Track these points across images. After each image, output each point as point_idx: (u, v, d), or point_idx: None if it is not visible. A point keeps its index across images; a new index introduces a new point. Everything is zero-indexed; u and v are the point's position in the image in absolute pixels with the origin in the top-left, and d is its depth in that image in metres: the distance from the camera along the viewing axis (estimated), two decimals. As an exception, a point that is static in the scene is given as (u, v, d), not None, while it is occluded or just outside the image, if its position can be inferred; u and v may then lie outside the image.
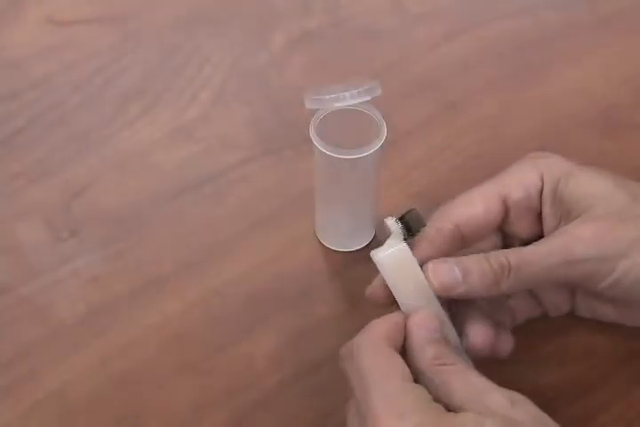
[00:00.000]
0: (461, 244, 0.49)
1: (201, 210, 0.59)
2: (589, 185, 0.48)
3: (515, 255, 0.46)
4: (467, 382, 0.43)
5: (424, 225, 0.47)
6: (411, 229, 0.47)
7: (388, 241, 0.47)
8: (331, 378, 0.52)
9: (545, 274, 0.46)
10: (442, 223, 0.48)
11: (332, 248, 0.57)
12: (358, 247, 0.57)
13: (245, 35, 0.68)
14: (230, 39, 0.67)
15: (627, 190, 0.47)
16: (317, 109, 0.48)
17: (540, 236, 0.49)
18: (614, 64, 0.66)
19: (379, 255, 0.46)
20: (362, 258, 0.56)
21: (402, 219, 0.47)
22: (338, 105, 0.48)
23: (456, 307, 0.49)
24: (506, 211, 0.49)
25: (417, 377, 0.43)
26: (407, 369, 0.43)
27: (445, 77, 0.65)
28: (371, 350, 0.44)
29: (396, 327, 0.45)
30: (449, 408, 0.42)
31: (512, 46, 0.67)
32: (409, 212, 0.47)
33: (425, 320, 0.45)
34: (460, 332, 0.48)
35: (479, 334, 0.47)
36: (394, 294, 0.47)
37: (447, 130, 0.62)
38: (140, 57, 0.66)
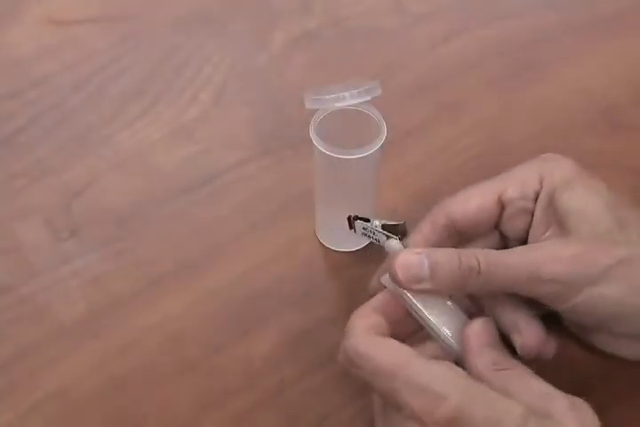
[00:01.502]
0: (457, 240, 0.49)
1: (201, 210, 0.59)
2: (582, 201, 0.47)
3: (486, 259, 0.45)
4: (527, 387, 0.42)
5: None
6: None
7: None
8: (330, 378, 0.51)
9: (510, 285, 0.45)
10: (436, 217, 0.48)
11: (332, 248, 0.57)
12: (358, 247, 0.57)
13: (245, 35, 0.68)
14: (230, 39, 0.68)
15: (615, 214, 0.46)
16: (317, 109, 0.48)
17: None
18: (614, 64, 0.66)
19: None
20: (362, 258, 0.56)
21: (384, 227, 0.47)
22: (338, 105, 0.48)
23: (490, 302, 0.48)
24: (501, 210, 0.49)
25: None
26: (412, 349, 0.43)
27: (445, 77, 0.65)
28: (369, 348, 0.43)
29: (370, 319, 0.44)
30: None
31: (512, 46, 0.67)
32: (397, 225, 0.47)
33: (482, 326, 0.44)
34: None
35: (532, 335, 0.46)
36: (422, 310, 0.45)
37: (447, 130, 0.62)
38: (140, 57, 0.66)
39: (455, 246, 0.49)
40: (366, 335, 0.44)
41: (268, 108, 0.64)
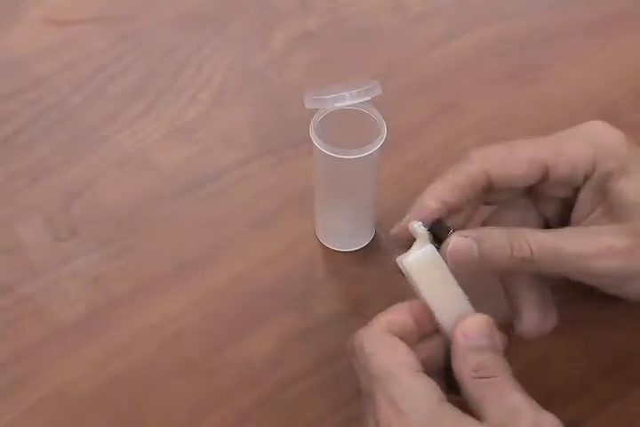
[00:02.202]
0: (487, 196, 0.48)
1: (201, 210, 0.59)
2: (638, 192, 0.46)
3: (538, 247, 0.44)
4: (500, 399, 0.42)
5: (448, 231, 0.46)
6: (436, 236, 0.45)
7: (414, 247, 0.45)
8: (331, 378, 0.51)
9: (559, 273, 0.45)
10: (475, 173, 0.47)
11: (332, 248, 0.57)
12: (358, 247, 0.57)
13: (245, 35, 0.68)
14: (230, 39, 0.68)
15: None
16: (317, 109, 0.48)
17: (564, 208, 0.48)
18: (614, 64, 0.66)
19: (407, 259, 0.45)
20: (362, 258, 0.56)
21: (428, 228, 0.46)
22: (338, 105, 0.48)
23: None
24: (543, 178, 0.47)
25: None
26: (413, 359, 0.42)
27: (445, 77, 0.65)
28: (373, 343, 0.43)
29: (399, 316, 0.44)
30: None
31: (512, 46, 0.67)
32: (434, 221, 0.46)
33: (471, 327, 0.44)
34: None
35: (532, 324, 0.46)
36: (425, 298, 0.45)
37: (447, 130, 0.62)
38: (140, 57, 0.66)
39: (476, 205, 0.48)
40: (379, 330, 0.43)
41: (267, 108, 0.64)
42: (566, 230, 0.46)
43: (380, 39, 0.68)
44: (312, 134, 0.48)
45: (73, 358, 0.53)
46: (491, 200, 0.49)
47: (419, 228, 0.45)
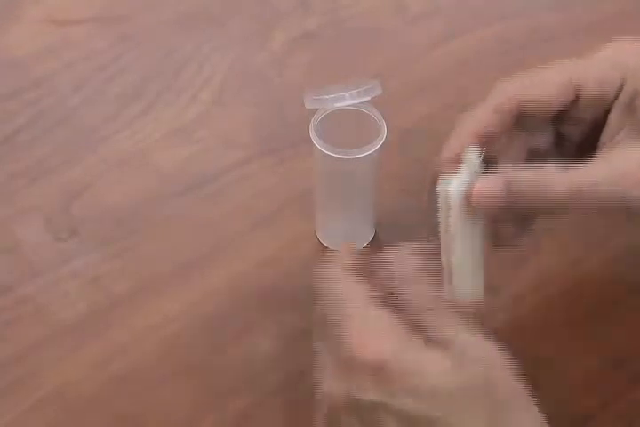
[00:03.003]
0: (516, 122, 0.46)
1: (201, 210, 0.59)
2: None
3: (569, 187, 0.43)
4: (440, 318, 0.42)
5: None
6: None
7: (459, 175, 0.44)
8: (331, 378, 0.51)
9: (596, 209, 0.45)
10: (500, 102, 0.46)
11: (332, 248, 0.57)
12: (358, 247, 0.57)
13: (245, 35, 0.68)
14: (230, 39, 0.68)
15: None
16: (317, 109, 0.48)
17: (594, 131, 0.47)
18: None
19: (453, 186, 0.43)
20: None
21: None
22: (338, 105, 0.48)
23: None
24: (573, 100, 0.46)
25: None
26: (376, 296, 0.42)
27: (445, 77, 0.65)
28: (342, 277, 0.43)
29: (360, 257, 0.44)
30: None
31: (512, 46, 0.67)
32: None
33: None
34: None
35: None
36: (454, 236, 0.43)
37: (447, 130, 0.62)
38: (140, 57, 0.66)
39: (510, 136, 0.47)
40: (347, 270, 0.43)
41: (268, 108, 0.64)
42: (596, 163, 0.44)
43: (380, 39, 0.68)
44: (312, 134, 0.48)
45: (73, 358, 0.53)
46: (521, 128, 0.48)
47: (473, 155, 0.44)
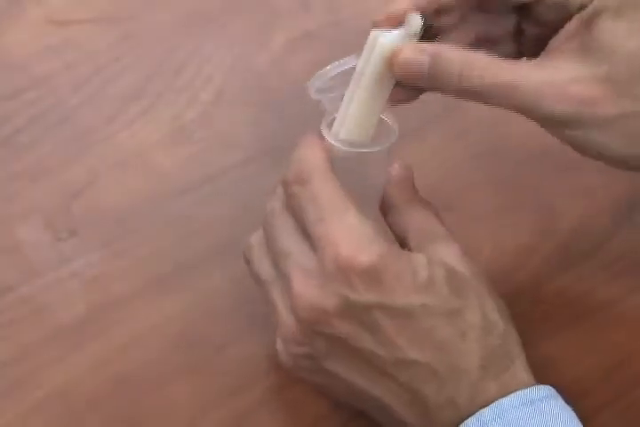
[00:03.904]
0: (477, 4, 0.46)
1: (201, 210, 0.59)
2: (620, 37, 0.43)
3: (492, 81, 0.43)
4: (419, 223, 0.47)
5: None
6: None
7: (394, 32, 0.44)
8: (331, 378, 0.51)
9: (507, 107, 0.45)
10: None
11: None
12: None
13: (245, 35, 0.68)
14: (230, 39, 0.68)
15: None
16: (321, 109, 0.48)
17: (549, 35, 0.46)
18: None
19: (386, 39, 0.44)
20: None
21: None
22: (347, 66, 0.47)
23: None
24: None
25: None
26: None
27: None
28: (325, 180, 0.44)
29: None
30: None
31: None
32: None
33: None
34: None
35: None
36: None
37: (447, 130, 0.62)
38: (140, 57, 0.66)
39: (467, 13, 0.46)
40: (327, 172, 0.45)
41: (268, 108, 0.64)
42: (530, 64, 0.45)
43: (380, 39, 0.68)
44: (323, 129, 0.47)
45: (73, 358, 0.53)
46: (481, 9, 0.47)
47: (415, 19, 0.43)
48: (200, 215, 0.59)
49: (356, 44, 0.67)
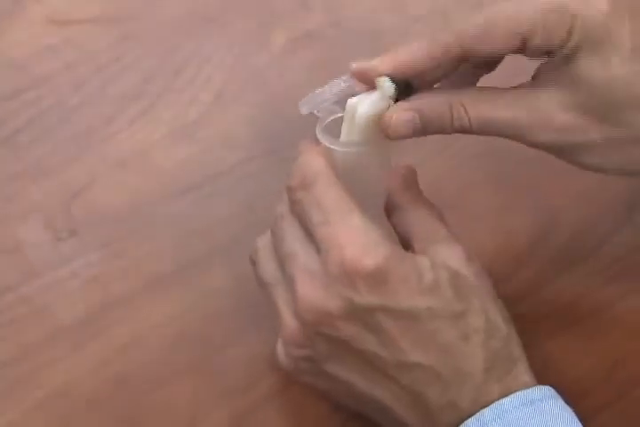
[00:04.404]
0: (458, 64, 0.47)
1: (201, 210, 0.59)
2: (598, 74, 0.45)
3: (476, 116, 0.46)
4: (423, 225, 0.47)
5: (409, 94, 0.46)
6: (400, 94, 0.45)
7: (371, 96, 0.45)
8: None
9: (502, 137, 0.47)
10: (449, 42, 0.46)
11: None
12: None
13: (245, 35, 0.68)
14: (230, 39, 0.67)
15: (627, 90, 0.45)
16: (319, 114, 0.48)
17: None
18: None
19: (363, 108, 0.45)
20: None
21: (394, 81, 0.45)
22: (334, 91, 0.47)
23: None
24: (520, 48, 0.46)
25: None
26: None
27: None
28: (328, 184, 0.44)
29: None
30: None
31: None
32: (400, 81, 0.45)
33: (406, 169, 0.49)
34: None
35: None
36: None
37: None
38: (140, 57, 0.66)
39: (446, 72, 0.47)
40: (331, 176, 0.45)
41: (268, 108, 0.64)
42: (508, 95, 0.47)
43: (380, 39, 0.68)
44: (319, 133, 0.47)
45: (73, 358, 0.53)
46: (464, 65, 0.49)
47: (385, 83, 0.45)
48: (200, 215, 0.59)
49: (356, 44, 0.67)
